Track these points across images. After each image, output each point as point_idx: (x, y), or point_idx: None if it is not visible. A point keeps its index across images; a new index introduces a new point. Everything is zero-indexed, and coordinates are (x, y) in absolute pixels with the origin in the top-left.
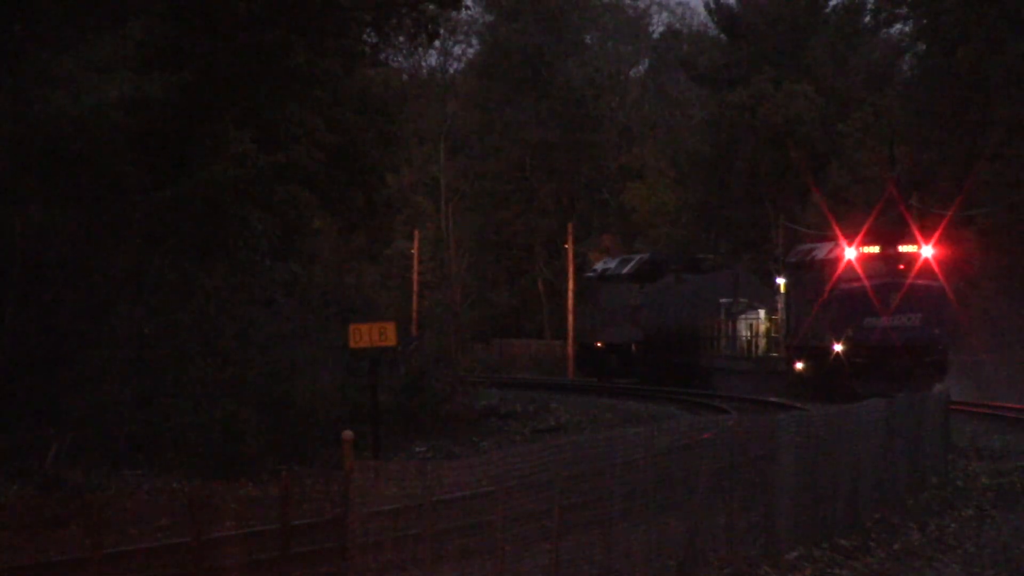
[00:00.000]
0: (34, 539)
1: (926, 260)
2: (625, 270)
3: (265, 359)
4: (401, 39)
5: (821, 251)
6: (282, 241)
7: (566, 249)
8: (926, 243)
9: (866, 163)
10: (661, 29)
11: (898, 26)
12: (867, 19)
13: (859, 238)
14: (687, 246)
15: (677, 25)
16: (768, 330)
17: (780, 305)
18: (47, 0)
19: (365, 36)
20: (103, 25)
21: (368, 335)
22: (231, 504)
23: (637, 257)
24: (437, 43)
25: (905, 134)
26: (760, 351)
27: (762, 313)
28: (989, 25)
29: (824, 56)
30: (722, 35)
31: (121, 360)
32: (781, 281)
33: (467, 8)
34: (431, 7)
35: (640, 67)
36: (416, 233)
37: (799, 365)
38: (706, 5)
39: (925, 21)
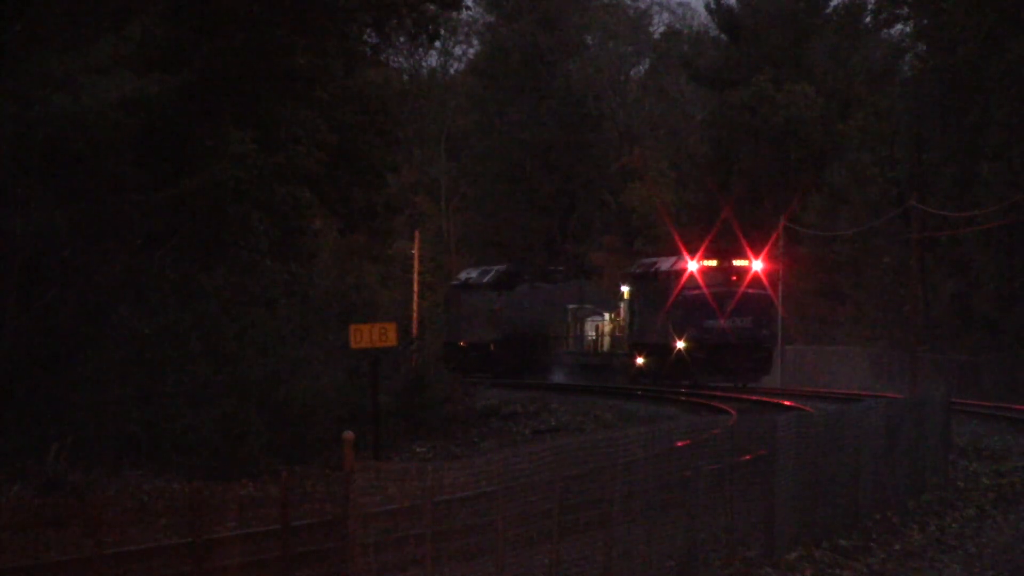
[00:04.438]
0: (34, 539)
1: (755, 273)
2: (485, 279)
3: (265, 359)
4: (402, 39)
5: (665, 264)
6: (282, 241)
7: (567, 249)
8: (756, 258)
9: (866, 163)
10: (661, 29)
11: (898, 26)
12: (867, 19)
13: (700, 253)
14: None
15: (677, 25)
16: (612, 330)
17: (623, 309)
18: (47, 0)
19: (366, 37)
20: (103, 25)
21: (368, 335)
22: (231, 504)
23: (495, 268)
24: (437, 43)
25: (905, 134)
26: (605, 348)
27: (607, 316)
28: (989, 25)
29: (824, 56)
30: (722, 35)
31: (121, 360)
32: (625, 288)
33: (467, 8)
34: (431, 7)
35: (640, 67)
36: (416, 233)
37: (640, 360)
38: (707, 5)
39: (925, 21)
